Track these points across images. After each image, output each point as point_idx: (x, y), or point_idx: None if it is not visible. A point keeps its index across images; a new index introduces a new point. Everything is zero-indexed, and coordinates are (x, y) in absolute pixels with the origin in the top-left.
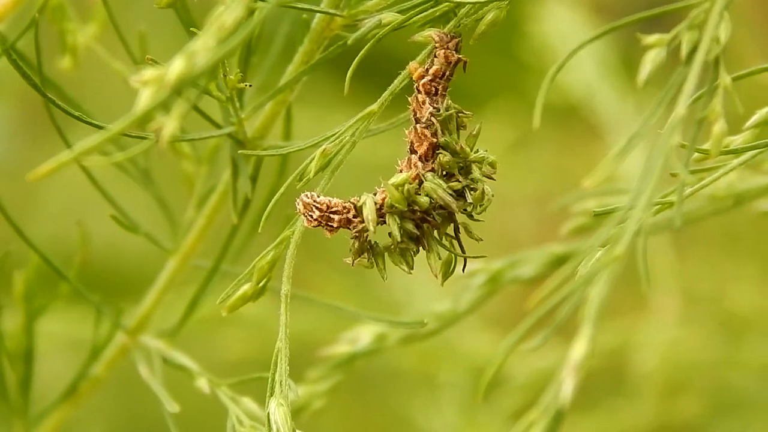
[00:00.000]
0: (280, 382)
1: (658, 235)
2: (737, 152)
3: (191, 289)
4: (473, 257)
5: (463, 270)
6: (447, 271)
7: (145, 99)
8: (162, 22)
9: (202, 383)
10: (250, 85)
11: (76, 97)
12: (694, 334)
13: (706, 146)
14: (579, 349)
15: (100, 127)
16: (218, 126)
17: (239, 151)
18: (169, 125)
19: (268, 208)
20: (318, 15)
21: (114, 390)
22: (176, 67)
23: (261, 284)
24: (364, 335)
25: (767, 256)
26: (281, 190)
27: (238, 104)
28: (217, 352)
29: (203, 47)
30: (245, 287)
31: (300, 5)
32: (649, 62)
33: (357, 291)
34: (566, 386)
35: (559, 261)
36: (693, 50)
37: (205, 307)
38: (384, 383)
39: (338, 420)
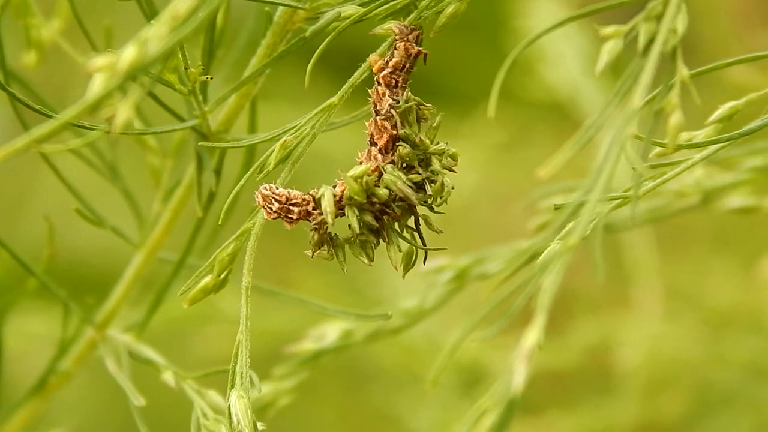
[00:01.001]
0: (241, 374)
1: (640, 231)
2: (698, 146)
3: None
4: (434, 249)
5: (424, 262)
6: (408, 264)
7: (97, 86)
8: (128, 16)
9: (168, 377)
10: (212, 78)
11: (43, 92)
12: (677, 330)
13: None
14: (531, 337)
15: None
16: (182, 119)
17: (203, 144)
18: (122, 113)
19: (228, 201)
20: (280, 8)
21: (87, 384)
22: (128, 54)
23: (222, 276)
24: (330, 332)
25: (749, 252)
26: (241, 182)
27: (201, 97)
28: (196, 350)
29: (156, 35)
30: (206, 279)
31: None
32: (606, 53)
33: (342, 288)
34: (518, 375)
35: (525, 255)
36: (650, 41)
37: (172, 302)
38: (370, 381)
39: (324, 418)
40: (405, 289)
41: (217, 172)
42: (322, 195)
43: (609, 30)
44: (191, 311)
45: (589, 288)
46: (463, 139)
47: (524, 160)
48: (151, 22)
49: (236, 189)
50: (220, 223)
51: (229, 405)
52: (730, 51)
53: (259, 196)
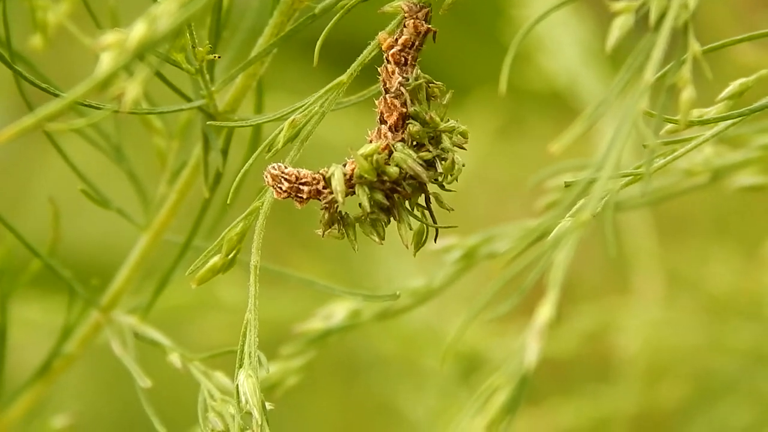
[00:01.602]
0: (249, 354)
1: (640, 215)
2: (710, 122)
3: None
4: (445, 227)
5: (435, 241)
6: (419, 242)
7: (106, 64)
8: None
9: (174, 358)
10: (219, 57)
11: (50, 74)
12: (677, 317)
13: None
14: (544, 313)
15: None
16: (189, 99)
17: (210, 123)
18: (131, 91)
19: (236, 181)
20: None
21: (88, 371)
22: (137, 31)
23: (230, 256)
24: (338, 311)
25: (750, 238)
26: (249, 162)
27: (208, 77)
28: (199, 338)
29: (165, 12)
30: (214, 259)
31: None
32: (618, 28)
33: (340, 276)
34: (530, 351)
35: (534, 234)
36: (662, 16)
37: (174, 289)
38: (368, 370)
39: (323, 408)
40: (401, 278)
41: (224, 153)
42: (332, 174)
43: (620, 4)
44: (190, 299)
45: (589, 275)
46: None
47: (521, 149)
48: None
49: (245, 168)
50: (228, 202)
51: (238, 384)
52: (733, 32)
53: (269, 175)
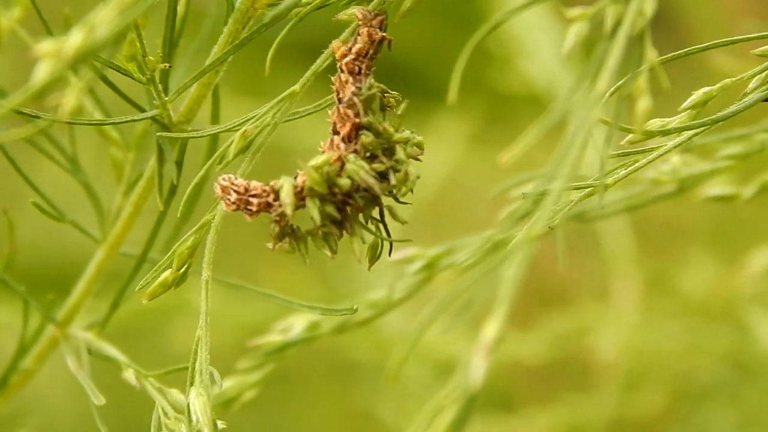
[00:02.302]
0: (200, 372)
1: (620, 220)
2: (671, 132)
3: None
4: (399, 241)
5: (389, 254)
6: (373, 256)
7: (42, 73)
8: (91, 4)
9: (129, 375)
10: (170, 66)
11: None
12: (655, 322)
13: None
14: (490, 330)
15: None
16: (142, 109)
17: (160, 134)
18: (68, 101)
19: (187, 193)
20: None
21: (54, 378)
22: (75, 40)
23: (182, 270)
24: (297, 324)
25: (731, 244)
26: (200, 173)
27: (161, 87)
28: (165, 343)
29: (104, 19)
30: (166, 274)
31: None
32: (572, 36)
33: (312, 279)
34: (476, 370)
35: (496, 246)
36: (617, 24)
37: (139, 295)
38: (345, 377)
39: (298, 411)
40: (377, 280)
41: (179, 164)
42: (281, 186)
43: (575, 12)
44: (159, 303)
45: (566, 280)
46: (438, 131)
47: (499, 152)
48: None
49: (196, 180)
50: (179, 216)
51: (189, 403)
52: (714, 38)
53: (218, 186)
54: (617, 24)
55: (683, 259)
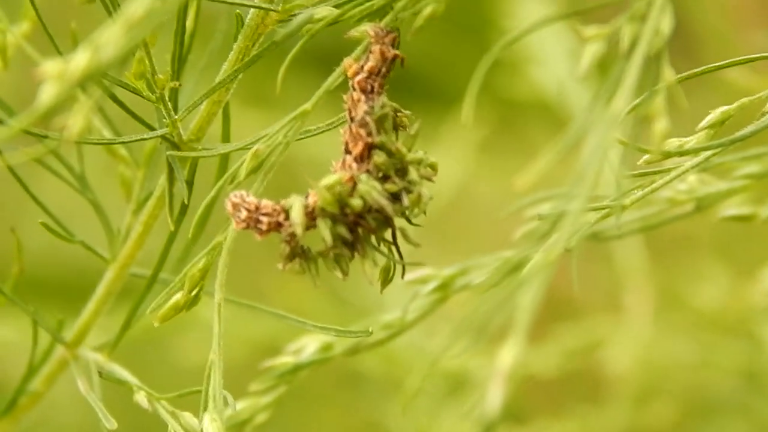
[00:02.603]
0: (214, 396)
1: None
2: (689, 153)
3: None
4: (412, 263)
5: (402, 277)
6: (386, 279)
7: (47, 94)
8: (99, 18)
9: (141, 398)
10: (180, 84)
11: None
12: (668, 335)
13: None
14: (507, 356)
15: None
16: (152, 128)
17: (170, 153)
18: (75, 123)
19: (199, 213)
20: (252, 10)
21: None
22: (80, 60)
23: (193, 293)
24: (309, 345)
25: (745, 257)
26: (212, 193)
27: (171, 105)
28: (176, 358)
29: (111, 39)
30: (177, 296)
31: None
32: (589, 56)
33: (325, 293)
34: (493, 397)
35: (511, 267)
36: (634, 43)
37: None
38: (356, 388)
39: (309, 424)
40: (391, 296)
41: (189, 183)
42: (291, 206)
43: (591, 31)
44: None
45: (578, 293)
46: (446, 140)
47: (512, 160)
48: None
49: (207, 200)
50: (190, 236)
51: (202, 429)
52: (727, 51)
53: (229, 203)
54: (634, 43)
55: (696, 273)
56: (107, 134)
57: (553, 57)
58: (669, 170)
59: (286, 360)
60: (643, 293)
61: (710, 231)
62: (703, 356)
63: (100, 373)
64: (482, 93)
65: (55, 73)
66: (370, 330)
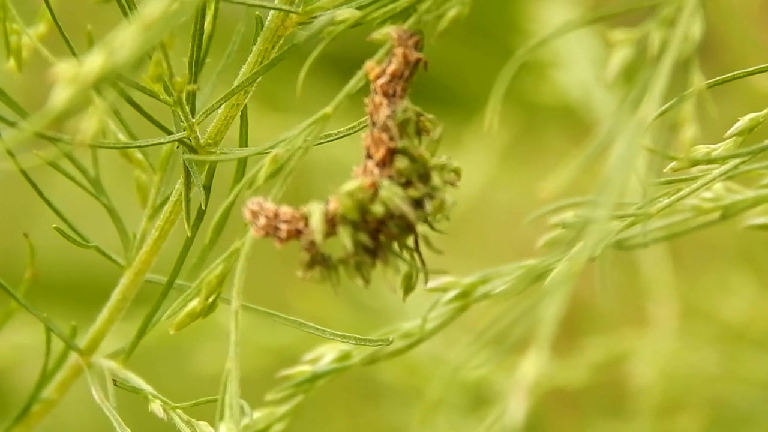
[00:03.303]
0: (230, 406)
1: (656, 245)
2: (716, 161)
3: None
4: (435, 271)
5: (425, 284)
6: (408, 286)
7: (60, 97)
8: (115, 19)
9: (156, 407)
10: (199, 88)
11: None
12: (692, 347)
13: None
14: (530, 370)
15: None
16: (169, 131)
17: (186, 157)
18: (88, 126)
19: (216, 219)
20: (271, 12)
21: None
22: (95, 63)
23: (210, 300)
24: (327, 354)
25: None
26: (230, 198)
27: (188, 108)
28: (193, 365)
29: (126, 41)
30: (193, 303)
31: (250, 1)
32: (617, 61)
33: (344, 297)
34: (515, 411)
35: (532, 275)
36: (663, 49)
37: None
38: (375, 398)
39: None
40: (411, 301)
41: (207, 188)
42: (312, 213)
43: (619, 36)
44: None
45: (603, 303)
46: (468, 145)
47: (534, 165)
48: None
49: (224, 206)
50: (207, 242)
51: None
52: (750, 55)
53: (248, 211)
54: (663, 49)
55: (721, 284)
56: (122, 137)
57: (577, 60)
58: (696, 178)
59: (303, 369)
60: (668, 304)
61: (736, 241)
62: (727, 368)
63: (115, 382)
64: (506, 97)
65: (68, 76)
66: (391, 339)
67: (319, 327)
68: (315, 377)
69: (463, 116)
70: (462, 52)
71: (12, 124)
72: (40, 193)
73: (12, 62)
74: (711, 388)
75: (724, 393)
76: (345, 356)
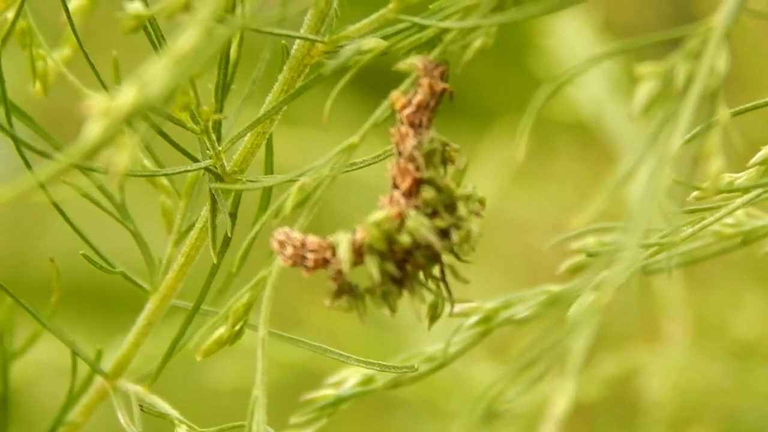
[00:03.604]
0: None
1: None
2: (739, 191)
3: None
4: (461, 302)
5: (451, 314)
6: (434, 315)
7: (93, 131)
8: (140, 46)
9: (182, 431)
10: (225, 117)
11: (51, 121)
12: (705, 361)
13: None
14: (561, 403)
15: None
16: (195, 159)
17: (213, 185)
18: (120, 160)
19: (243, 248)
20: (297, 41)
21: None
22: (127, 96)
23: (237, 327)
24: (350, 378)
25: None
26: (256, 227)
27: (215, 136)
28: (215, 381)
29: (157, 75)
30: (220, 330)
31: (276, 30)
32: (643, 95)
33: (369, 320)
34: None
35: (555, 301)
36: (689, 82)
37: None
38: (392, 412)
39: None
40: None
41: (233, 216)
42: (339, 242)
43: (646, 69)
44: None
45: (616, 319)
46: (483, 159)
47: (546, 178)
48: (153, 59)
49: (252, 233)
50: (234, 271)
51: None
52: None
53: (275, 241)
54: (689, 82)
55: (734, 300)
56: (149, 164)
57: (590, 76)
58: (719, 207)
59: (327, 392)
60: (681, 320)
61: (748, 257)
62: (740, 383)
63: (141, 407)
64: (520, 112)
65: (101, 109)
66: (416, 367)
67: (342, 353)
68: (339, 401)
69: (477, 129)
70: (476, 66)
71: (44, 154)
72: (71, 223)
73: (38, 86)
74: (723, 402)
75: (736, 407)
76: (368, 380)
